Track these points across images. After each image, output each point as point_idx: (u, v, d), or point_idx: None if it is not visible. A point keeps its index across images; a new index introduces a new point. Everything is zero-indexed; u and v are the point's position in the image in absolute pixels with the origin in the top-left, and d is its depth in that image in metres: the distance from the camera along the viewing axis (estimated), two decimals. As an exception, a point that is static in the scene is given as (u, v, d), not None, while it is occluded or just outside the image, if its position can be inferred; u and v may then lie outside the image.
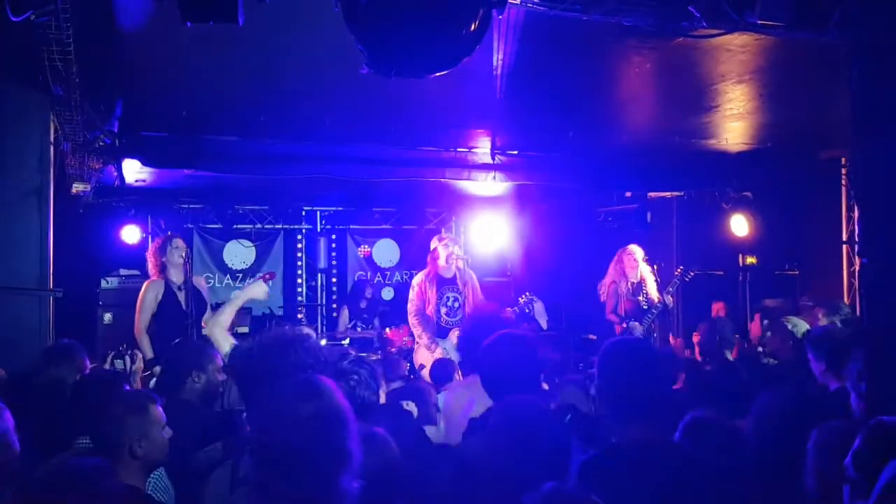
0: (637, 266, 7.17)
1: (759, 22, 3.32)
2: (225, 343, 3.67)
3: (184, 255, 5.95)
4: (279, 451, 1.91)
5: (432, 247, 6.92)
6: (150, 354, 5.73)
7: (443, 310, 6.71)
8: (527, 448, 2.25)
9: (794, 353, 4.78)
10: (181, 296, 5.91)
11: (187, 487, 3.20)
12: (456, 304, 6.73)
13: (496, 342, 3.14)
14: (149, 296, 5.91)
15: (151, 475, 2.95)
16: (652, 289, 7.16)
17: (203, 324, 5.27)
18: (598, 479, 2.25)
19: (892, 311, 2.97)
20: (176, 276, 5.98)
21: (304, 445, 1.90)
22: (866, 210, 3.11)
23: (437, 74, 2.69)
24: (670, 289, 7.11)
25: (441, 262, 6.76)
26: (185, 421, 3.39)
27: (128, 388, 3.70)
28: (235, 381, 3.72)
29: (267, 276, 5.36)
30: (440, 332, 6.63)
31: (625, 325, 6.92)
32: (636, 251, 7.26)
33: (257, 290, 4.13)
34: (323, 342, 7.66)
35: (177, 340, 5.12)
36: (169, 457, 2.98)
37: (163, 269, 6.00)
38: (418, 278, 6.86)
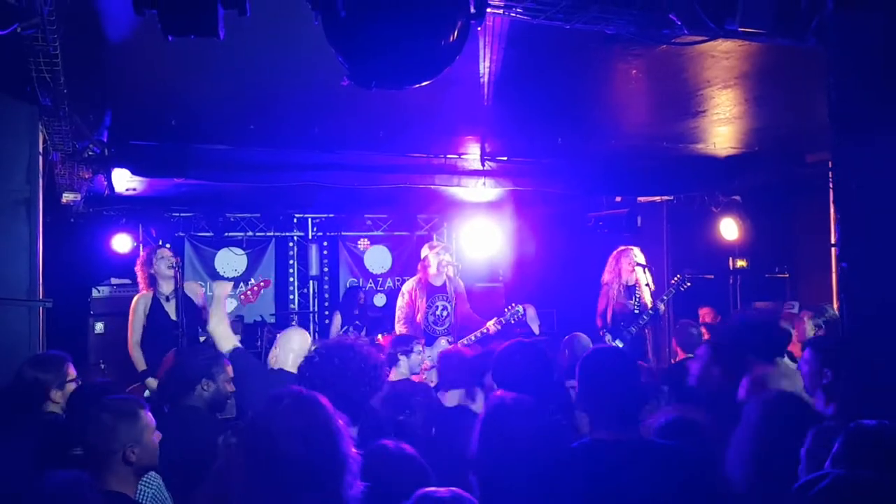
0: (633, 269, 7.02)
1: (740, 29, 3.35)
2: (227, 342, 3.71)
3: (171, 264, 5.85)
4: (272, 460, 1.93)
5: (423, 255, 6.89)
6: (142, 367, 5.72)
7: (430, 318, 6.71)
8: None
9: None
10: (169, 306, 5.87)
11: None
12: (444, 313, 6.72)
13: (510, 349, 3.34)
14: (138, 309, 5.87)
15: (150, 486, 2.93)
16: (646, 293, 6.99)
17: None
18: (570, 470, 2.44)
19: (872, 314, 3.00)
20: (165, 287, 5.90)
21: (295, 452, 1.92)
22: (845, 215, 3.15)
23: (418, 85, 2.72)
24: (665, 297, 6.91)
25: (432, 270, 6.73)
26: (193, 428, 3.40)
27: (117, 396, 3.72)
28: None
29: (262, 285, 5.38)
30: (427, 340, 6.62)
31: (602, 334, 6.82)
32: (636, 255, 7.10)
33: (225, 287, 4.26)
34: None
35: (185, 347, 5.11)
36: (174, 464, 2.98)
37: (152, 281, 5.91)
38: (408, 285, 6.85)
